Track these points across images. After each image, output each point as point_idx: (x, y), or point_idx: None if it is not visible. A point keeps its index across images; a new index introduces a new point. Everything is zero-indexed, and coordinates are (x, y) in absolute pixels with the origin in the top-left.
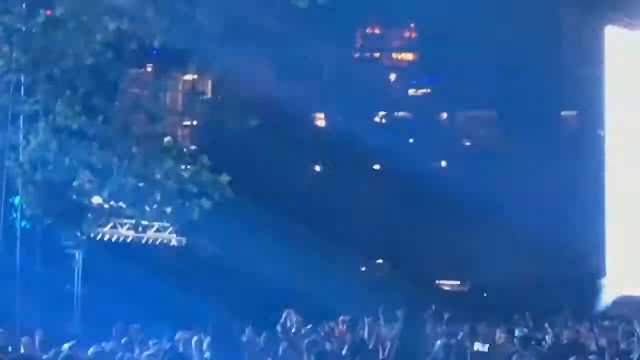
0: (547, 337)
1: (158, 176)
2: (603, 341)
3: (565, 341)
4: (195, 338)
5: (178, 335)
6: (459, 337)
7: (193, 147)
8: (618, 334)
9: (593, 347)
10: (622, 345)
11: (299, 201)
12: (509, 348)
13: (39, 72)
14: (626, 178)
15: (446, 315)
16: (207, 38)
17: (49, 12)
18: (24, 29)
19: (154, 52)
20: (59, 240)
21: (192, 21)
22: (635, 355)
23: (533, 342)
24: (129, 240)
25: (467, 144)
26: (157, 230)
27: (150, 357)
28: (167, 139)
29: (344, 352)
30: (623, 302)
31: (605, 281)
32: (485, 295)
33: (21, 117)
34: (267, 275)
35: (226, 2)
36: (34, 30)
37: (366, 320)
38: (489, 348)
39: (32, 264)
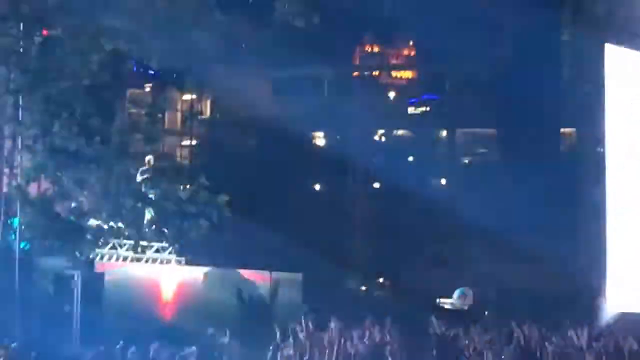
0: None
1: (156, 196)
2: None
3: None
4: None
5: None
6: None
7: (191, 167)
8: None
9: None
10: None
11: (298, 220)
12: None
13: (36, 93)
14: (626, 196)
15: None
16: (204, 58)
17: (45, 33)
18: (21, 50)
19: (152, 72)
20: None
21: (190, 41)
22: None
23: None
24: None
25: (466, 161)
26: (157, 251)
27: None
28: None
29: None
30: (621, 320)
31: (604, 298)
32: (485, 313)
33: (19, 139)
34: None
35: (223, 22)
36: (31, 51)
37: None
38: None
39: (30, 284)
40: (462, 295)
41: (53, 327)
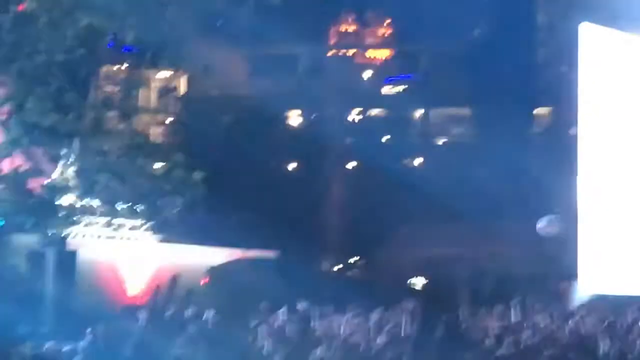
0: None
1: (130, 174)
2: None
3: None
4: None
5: None
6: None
7: (166, 145)
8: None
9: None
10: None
11: (272, 199)
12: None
13: (9, 68)
14: (598, 177)
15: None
16: (179, 35)
17: (20, 8)
18: None
19: (127, 49)
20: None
21: (164, 18)
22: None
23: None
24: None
25: (442, 141)
26: (131, 229)
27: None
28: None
29: None
30: (594, 302)
31: (576, 280)
32: (456, 293)
33: None
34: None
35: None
36: (4, 26)
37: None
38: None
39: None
40: (551, 223)
41: (25, 305)
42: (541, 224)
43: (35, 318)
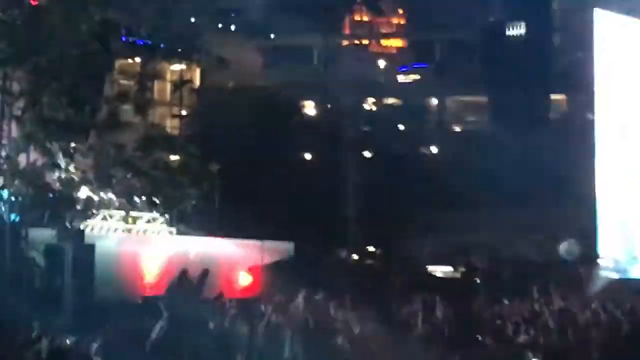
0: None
1: (147, 166)
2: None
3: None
4: None
5: None
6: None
7: (181, 137)
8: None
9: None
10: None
11: (289, 189)
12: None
13: (24, 63)
14: (616, 161)
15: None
16: (193, 28)
17: (33, 2)
18: (8, 20)
19: (141, 42)
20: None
21: (179, 10)
22: None
23: None
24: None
25: (457, 129)
26: (148, 222)
27: None
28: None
29: None
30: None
31: (597, 264)
32: (477, 281)
33: (6, 109)
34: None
35: None
36: (19, 21)
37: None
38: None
39: (21, 256)
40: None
41: (43, 300)
42: (563, 248)
43: (54, 311)
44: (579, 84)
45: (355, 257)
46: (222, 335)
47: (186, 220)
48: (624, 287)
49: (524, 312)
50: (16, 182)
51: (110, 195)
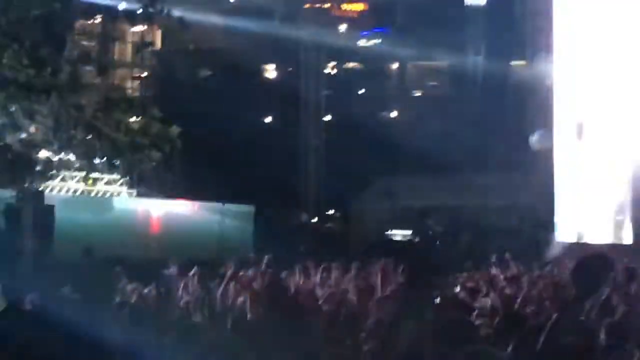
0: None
1: (107, 128)
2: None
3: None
4: None
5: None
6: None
7: (142, 99)
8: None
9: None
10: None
11: (249, 153)
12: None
13: None
14: (573, 129)
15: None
16: None
17: None
18: None
19: (101, 2)
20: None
21: None
22: None
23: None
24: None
25: (417, 94)
26: (107, 183)
27: None
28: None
29: None
30: (571, 251)
31: (553, 231)
32: (437, 243)
33: None
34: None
35: None
36: None
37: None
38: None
39: None
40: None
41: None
42: (534, 138)
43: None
44: (538, 50)
45: (314, 220)
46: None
47: (146, 182)
48: (579, 250)
49: (480, 278)
50: None
51: (70, 156)
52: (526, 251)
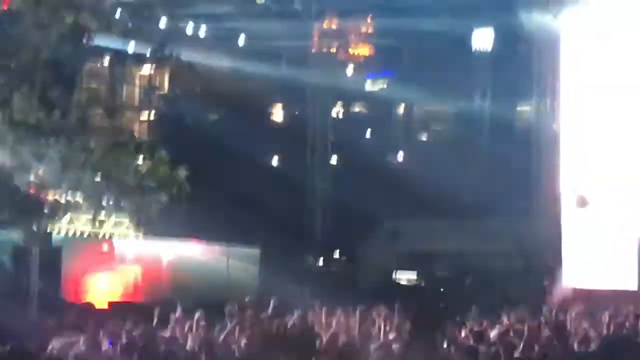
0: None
1: (115, 170)
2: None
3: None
4: None
5: None
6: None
7: (150, 142)
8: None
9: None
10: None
11: (255, 195)
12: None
13: None
14: (581, 173)
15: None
16: (164, 33)
17: (4, 7)
18: None
19: (111, 46)
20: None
21: (150, 15)
22: None
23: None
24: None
25: (424, 138)
26: (115, 225)
27: None
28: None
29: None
30: (577, 297)
31: (560, 275)
32: (441, 289)
33: None
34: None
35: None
36: None
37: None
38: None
39: None
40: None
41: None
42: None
43: (20, 314)
44: (545, 95)
45: (320, 263)
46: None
47: (153, 224)
48: (586, 296)
49: (483, 323)
50: None
51: (78, 198)
52: (532, 296)
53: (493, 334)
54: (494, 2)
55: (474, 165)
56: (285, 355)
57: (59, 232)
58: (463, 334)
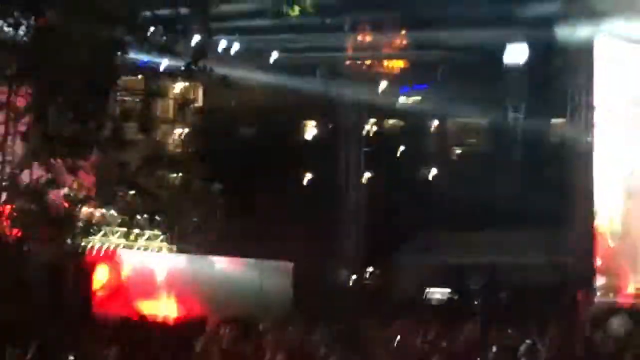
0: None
1: (149, 184)
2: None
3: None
4: None
5: None
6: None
7: (184, 156)
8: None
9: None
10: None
11: (289, 210)
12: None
13: (30, 80)
14: (615, 186)
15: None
16: (198, 47)
17: (41, 21)
18: (15, 38)
19: (146, 61)
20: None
21: (184, 29)
22: None
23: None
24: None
25: (458, 151)
26: (148, 239)
27: None
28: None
29: None
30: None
31: (594, 289)
32: (476, 303)
33: (10, 125)
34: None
35: (216, 11)
36: (26, 39)
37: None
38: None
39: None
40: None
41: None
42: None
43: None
44: (579, 108)
45: (354, 277)
46: None
47: (187, 238)
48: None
49: (520, 340)
50: (19, 198)
51: (112, 212)
52: (567, 310)
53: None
54: (528, 15)
55: (507, 179)
56: None
57: (92, 247)
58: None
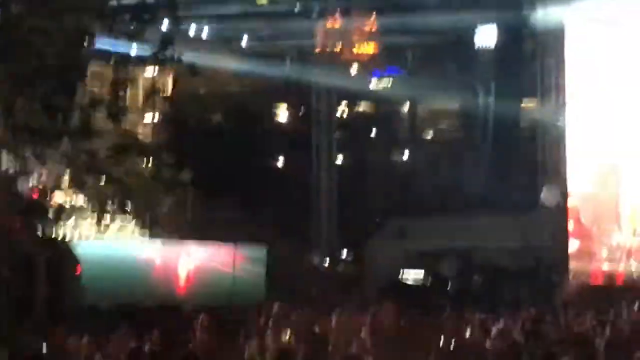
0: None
1: (119, 173)
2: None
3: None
4: None
5: None
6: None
7: (154, 144)
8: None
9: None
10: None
11: (260, 196)
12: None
13: None
14: (587, 169)
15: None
16: (166, 34)
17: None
18: None
19: (113, 48)
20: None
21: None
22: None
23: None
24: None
25: (429, 135)
26: (119, 228)
27: None
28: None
29: None
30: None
31: (566, 272)
32: (448, 287)
33: None
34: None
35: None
36: None
37: None
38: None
39: None
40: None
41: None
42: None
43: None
44: (550, 90)
45: (326, 262)
46: None
47: (158, 226)
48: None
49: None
50: None
51: (82, 202)
52: (541, 293)
53: (497, 331)
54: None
55: (479, 162)
56: None
57: (63, 237)
58: (469, 332)
